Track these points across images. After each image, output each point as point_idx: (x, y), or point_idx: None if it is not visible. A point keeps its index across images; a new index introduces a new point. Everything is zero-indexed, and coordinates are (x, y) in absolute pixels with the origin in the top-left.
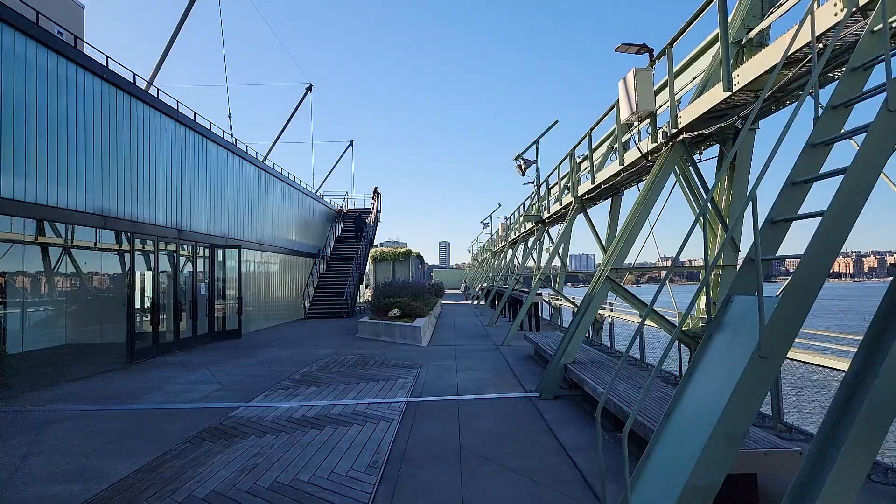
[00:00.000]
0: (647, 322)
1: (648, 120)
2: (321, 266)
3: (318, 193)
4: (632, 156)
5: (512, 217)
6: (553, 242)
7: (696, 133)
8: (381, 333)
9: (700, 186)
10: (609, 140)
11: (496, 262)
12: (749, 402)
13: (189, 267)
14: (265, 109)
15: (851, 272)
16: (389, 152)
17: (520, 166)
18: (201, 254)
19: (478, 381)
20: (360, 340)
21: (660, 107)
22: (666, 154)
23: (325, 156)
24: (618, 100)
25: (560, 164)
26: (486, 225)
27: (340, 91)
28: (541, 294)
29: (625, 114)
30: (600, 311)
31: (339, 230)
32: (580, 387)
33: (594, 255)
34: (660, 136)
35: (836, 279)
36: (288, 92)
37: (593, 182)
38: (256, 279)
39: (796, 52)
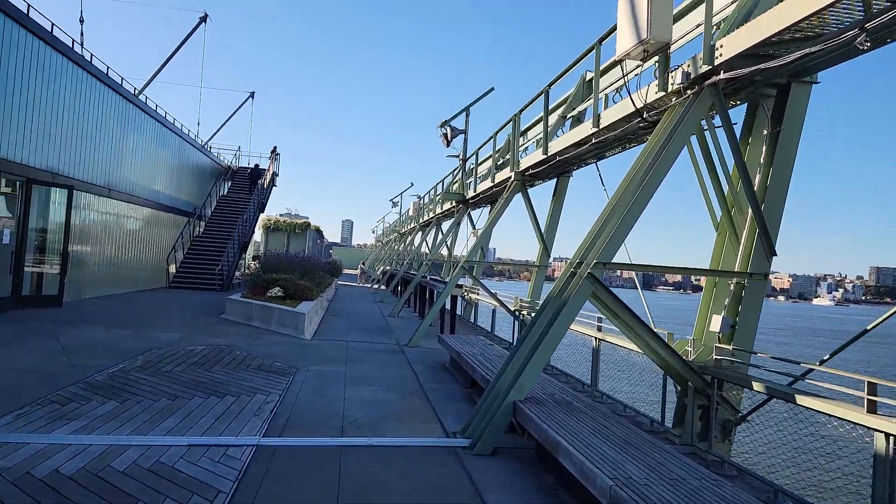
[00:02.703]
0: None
1: (656, 59)
2: (197, 227)
3: (205, 146)
4: (616, 113)
5: (427, 196)
6: (474, 227)
7: (740, 74)
8: (253, 317)
9: (734, 156)
10: (563, 108)
11: (402, 244)
12: None
13: None
14: (147, 39)
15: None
16: (296, 111)
17: (445, 135)
18: (6, 189)
19: (375, 405)
20: (225, 324)
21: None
22: (685, 105)
23: (219, 106)
24: (606, 35)
25: (497, 132)
26: (395, 204)
27: (240, 27)
28: (461, 286)
29: (626, 44)
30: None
31: (226, 189)
32: (531, 434)
33: (494, 248)
34: (677, 77)
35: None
36: (179, 21)
37: (545, 153)
38: (102, 233)
39: None
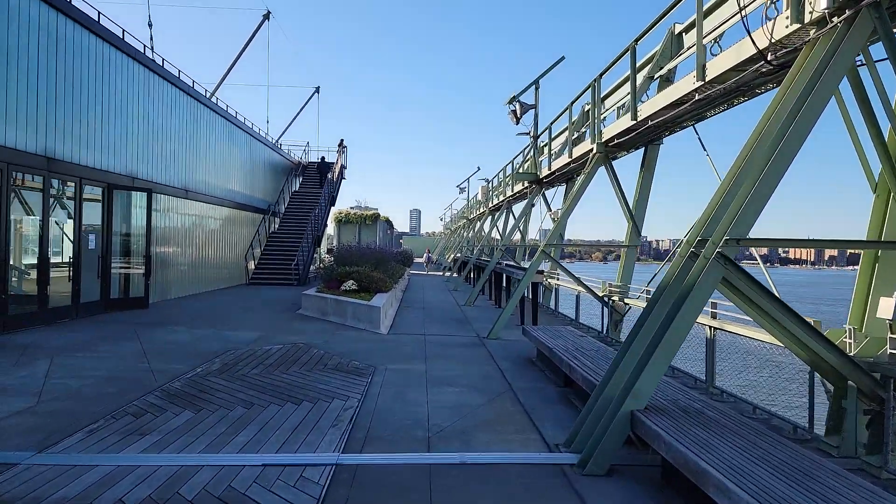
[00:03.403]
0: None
1: None
2: (272, 224)
3: (276, 143)
4: (729, 60)
5: (495, 179)
6: (549, 207)
7: None
8: (328, 312)
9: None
10: (648, 67)
11: (471, 231)
12: None
13: (66, 212)
14: (215, 40)
15: (812, 259)
16: (359, 103)
17: (514, 111)
18: (91, 195)
19: (461, 410)
20: (301, 320)
21: None
22: (834, 37)
23: (285, 103)
24: None
25: (573, 102)
26: (462, 190)
27: (304, 26)
28: (542, 272)
29: None
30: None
31: (297, 185)
32: (655, 449)
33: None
34: (820, 2)
35: (797, 265)
36: (244, 20)
37: (634, 117)
38: (183, 234)
39: None
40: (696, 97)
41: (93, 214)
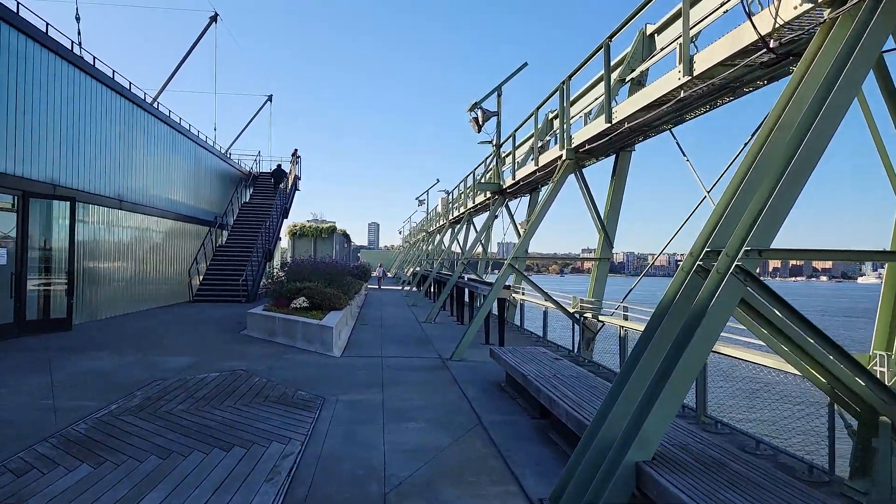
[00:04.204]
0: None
1: None
2: (220, 237)
3: (226, 153)
4: (723, 50)
5: (457, 190)
6: (513, 219)
7: None
8: (276, 332)
9: None
10: (619, 69)
11: (431, 244)
12: None
13: None
14: (162, 45)
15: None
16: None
17: (475, 119)
18: (2, 205)
19: (425, 453)
20: (245, 342)
21: None
22: (856, 18)
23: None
24: None
25: (540, 106)
26: (421, 202)
27: (250, 27)
28: (509, 287)
29: None
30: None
31: (248, 196)
32: None
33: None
34: None
35: (780, 278)
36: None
37: (609, 120)
38: (116, 248)
39: None
40: (682, 94)
41: (4, 226)
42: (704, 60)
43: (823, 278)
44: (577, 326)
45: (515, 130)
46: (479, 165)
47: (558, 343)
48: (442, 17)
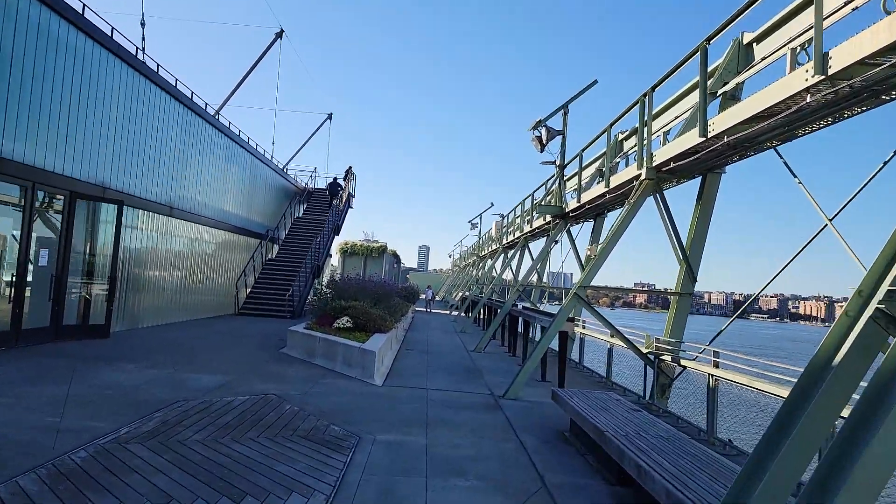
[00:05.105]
0: None
1: None
2: (270, 251)
3: (284, 169)
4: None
5: (512, 214)
6: (573, 245)
7: None
8: (315, 353)
9: None
10: (710, 81)
11: (482, 269)
12: None
13: (13, 221)
14: (227, 61)
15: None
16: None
17: (539, 137)
18: (48, 205)
19: None
20: (282, 361)
21: None
22: None
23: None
24: None
25: (611, 125)
26: (474, 226)
27: (319, 46)
28: (573, 319)
29: None
30: None
31: (301, 211)
32: None
33: (571, 273)
34: None
35: (808, 322)
36: (257, 40)
37: (703, 134)
38: (164, 256)
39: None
40: (808, 98)
41: (48, 226)
42: (845, 55)
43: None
44: (649, 369)
45: (583, 150)
46: (539, 188)
47: (623, 385)
48: (502, 41)
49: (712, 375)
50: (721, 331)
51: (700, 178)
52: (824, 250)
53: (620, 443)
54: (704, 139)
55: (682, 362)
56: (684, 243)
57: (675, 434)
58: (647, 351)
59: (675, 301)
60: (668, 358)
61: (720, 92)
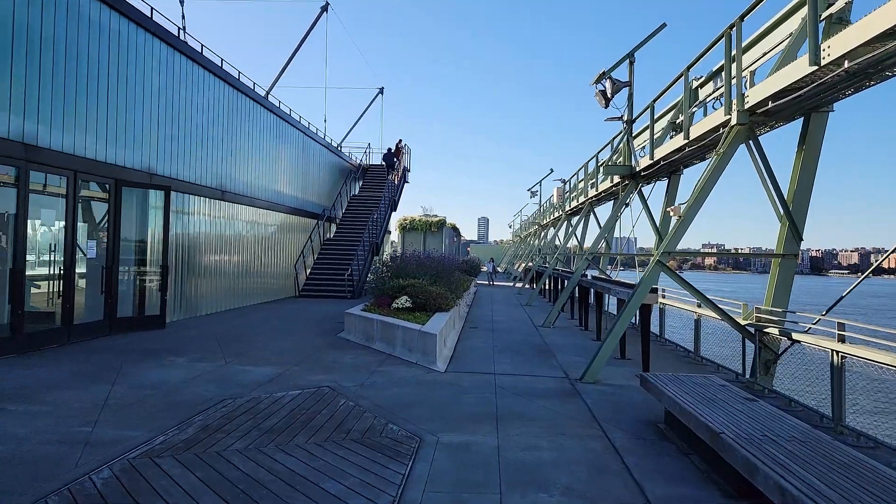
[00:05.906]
0: None
1: None
2: (328, 230)
3: (338, 147)
4: None
5: (574, 178)
6: (646, 206)
7: None
8: (373, 336)
9: None
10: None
11: (543, 238)
12: None
13: (56, 212)
14: (273, 39)
15: None
16: (425, 104)
17: (602, 91)
18: (93, 193)
19: None
20: (339, 348)
21: None
22: None
23: (346, 101)
24: None
25: (688, 69)
26: (534, 194)
27: (367, 19)
28: (656, 290)
29: None
30: None
31: (357, 189)
32: None
33: (636, 238)
34: None
35: (891, 276)
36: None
37: (816, 62)
38: (219, 242)
39: None
40: None
41: (94, 216)
42: None
43: None
44: (748, 343)
45: (654, 100)
46: (604, 148)
47: (715, 361)
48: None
49: (837, 352)
50: (843, 297)
51: (802, 119)
52: None
53: (748, 452)
54: (817, 67)
55: (794, 335)
56: (785, 196)
57: (812, 434)
58: (745, 323)
59: (775, 264)
60: (774, 331)
61: (823, 16)
